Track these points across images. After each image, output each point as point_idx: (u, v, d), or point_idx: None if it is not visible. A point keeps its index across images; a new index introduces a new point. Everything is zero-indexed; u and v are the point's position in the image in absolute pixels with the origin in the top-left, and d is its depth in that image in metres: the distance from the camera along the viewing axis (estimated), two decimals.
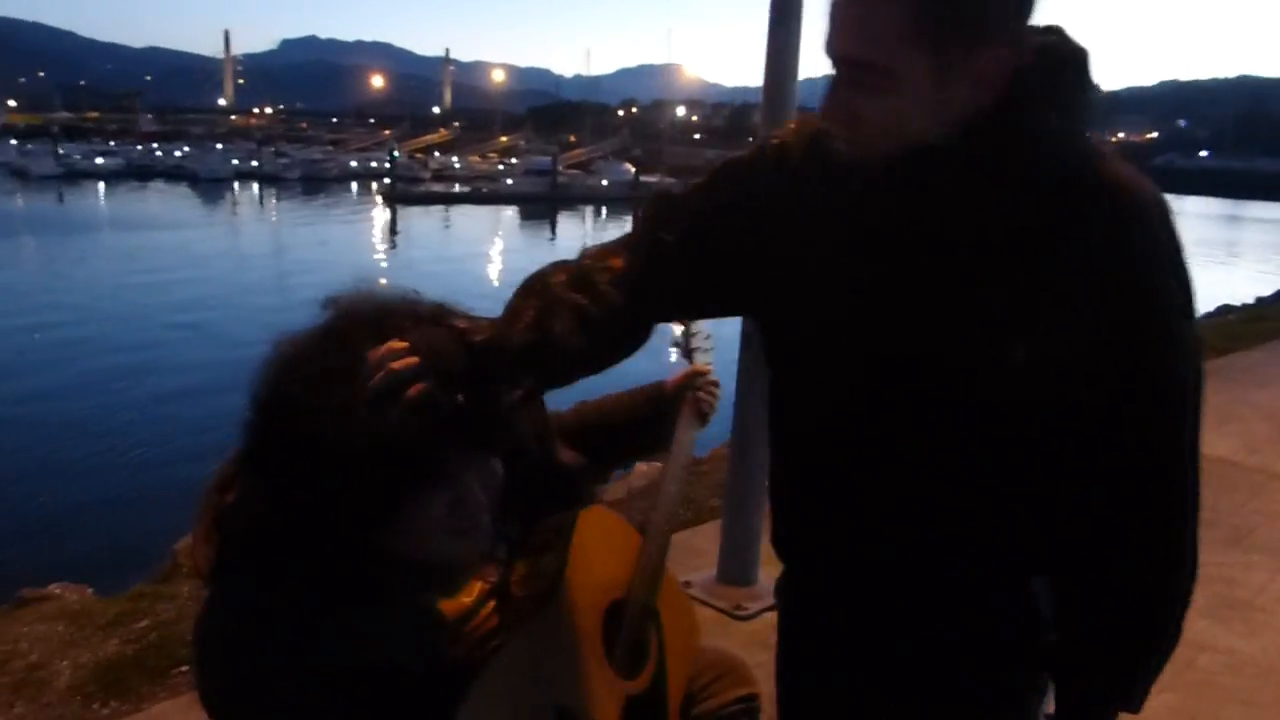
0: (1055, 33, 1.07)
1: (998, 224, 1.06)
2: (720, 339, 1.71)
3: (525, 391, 1.17)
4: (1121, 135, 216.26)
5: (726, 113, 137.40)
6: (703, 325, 1.67)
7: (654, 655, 1.36)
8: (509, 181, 55.42)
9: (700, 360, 1.64)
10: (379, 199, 49.16)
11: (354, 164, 67.25)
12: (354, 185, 59.56)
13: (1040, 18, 1.05)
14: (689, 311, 1.51)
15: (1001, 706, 1.26)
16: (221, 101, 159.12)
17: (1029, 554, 1.18)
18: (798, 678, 1.42)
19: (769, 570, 3.56)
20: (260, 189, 55.50)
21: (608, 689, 1.25)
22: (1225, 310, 15.13)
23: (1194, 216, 77.15)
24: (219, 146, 73.06)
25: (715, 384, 1.61)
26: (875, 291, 1.12)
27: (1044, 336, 1.05)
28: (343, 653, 1.06)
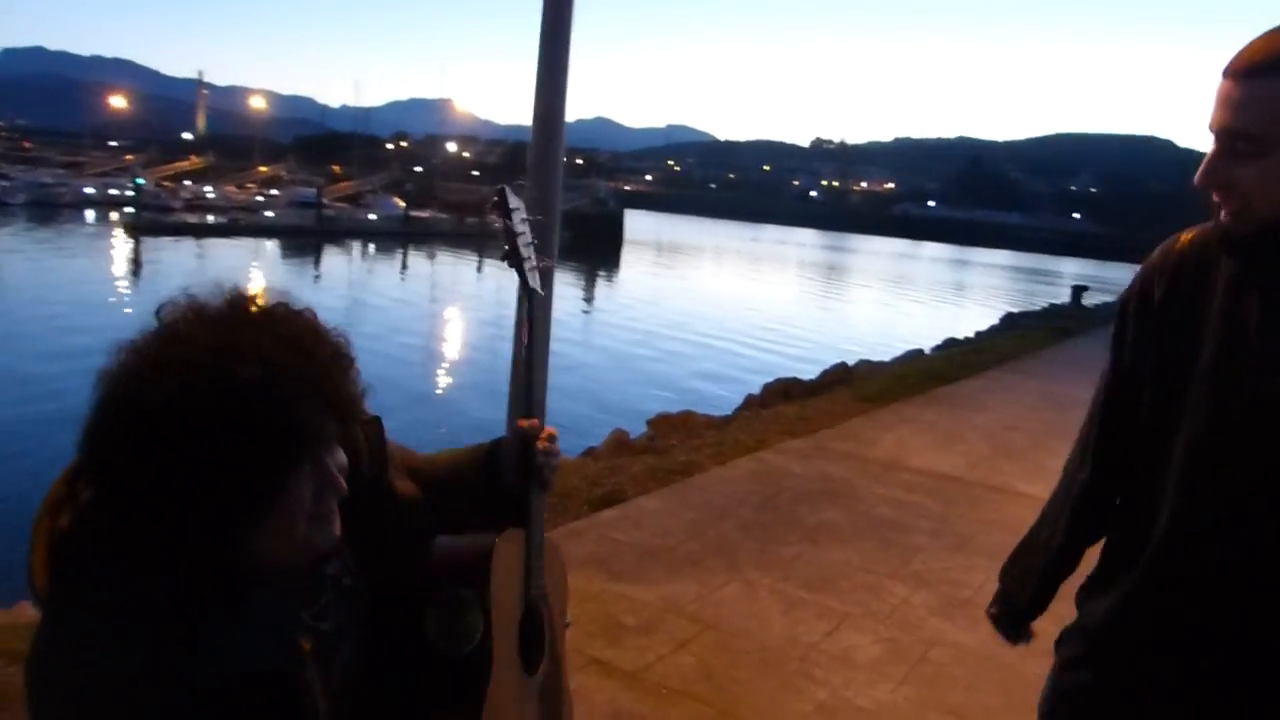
0: None
1: None
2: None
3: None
4: (865, 185, 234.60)
5: (501, 150, 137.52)
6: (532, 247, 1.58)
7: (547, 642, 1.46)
8: (270, 213, 52.72)
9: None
10: (121, 229, 45.40)
11: (91, 190, 61.58)
12: (91, 213, 54.60)
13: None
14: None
15: None
16: None
17: None
18: None
19: None
20: None
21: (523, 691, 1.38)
22: (951, 343, 16.74)
23: (929, 260, 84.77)
24: None
25: (553, 438, 1.47)
26: (1236, 370, 1.26)
27: None
28: (213, 667, 0.97)
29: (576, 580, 4.00)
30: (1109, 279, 43.49)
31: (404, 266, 39.47)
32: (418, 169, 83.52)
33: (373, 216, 54.86)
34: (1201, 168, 1.24)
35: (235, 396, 0.94)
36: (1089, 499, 1.55)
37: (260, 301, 1.04)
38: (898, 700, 3.33)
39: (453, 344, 22.40)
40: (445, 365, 18.21)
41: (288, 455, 0.99)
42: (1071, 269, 72.22)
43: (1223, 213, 1.27)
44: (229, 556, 0.99)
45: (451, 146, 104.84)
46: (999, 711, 3.29)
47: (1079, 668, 1.51)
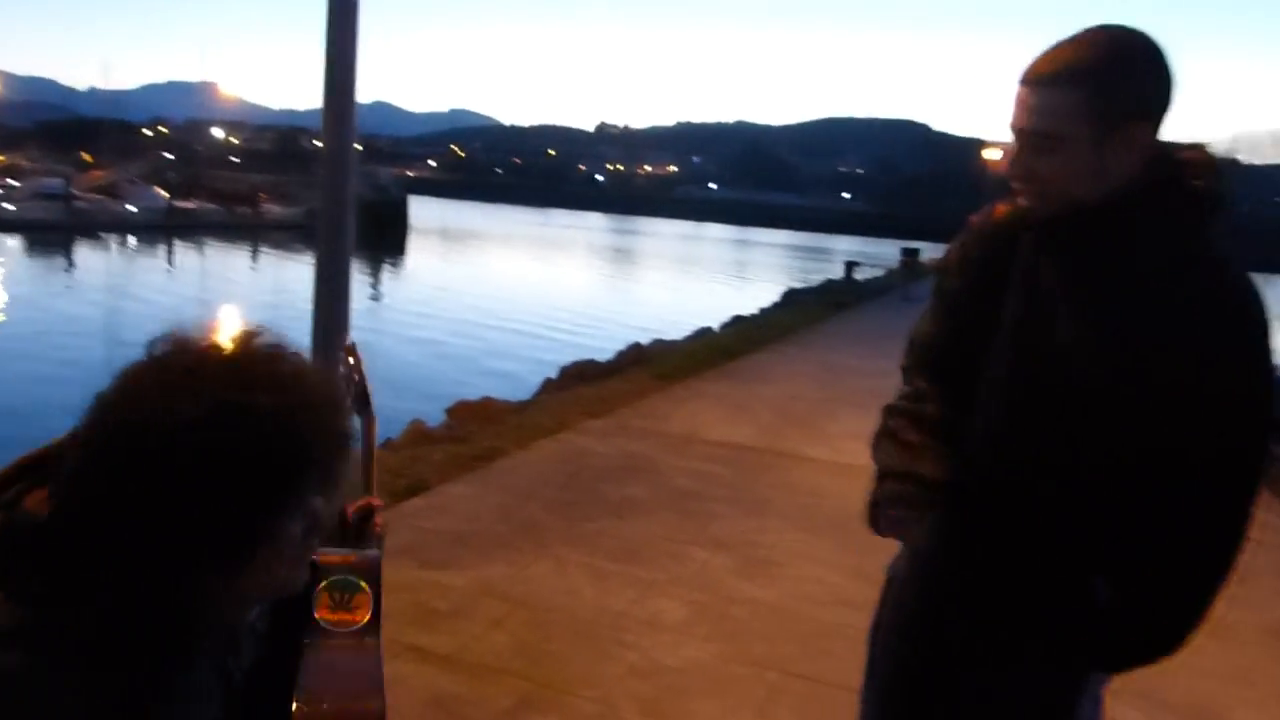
0: (1198, 148, 1.45)
1: (1128, 279, 1.42)
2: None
3: None
4: (649, 168, 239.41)
5: (272, 136, 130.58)
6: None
7: None
8: (10, 206, 47.77)
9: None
10: None
11: None
12: None
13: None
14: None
15: (1057, 679, 1.58)
16: None
17: (1096, 555, 1.50)
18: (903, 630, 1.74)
19: None
20: None
21: None
22: (738, 320, 17.47)
23: (713, 241, 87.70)
24: None
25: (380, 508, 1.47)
26: (1032, 325, 1.51)
27: (1143, 380, 1.39)
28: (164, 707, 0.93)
29: (387, 571, 3.95)
30: (877, 254, 46.52)
31: (170, 261, 36.83)
32: (171, 156, 77.84)
33: (132, 208, 50.67)
34: (1007, 162, 1.47)
35: (257, 426, 0.91)
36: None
37: (262, 339, 1.01)
38: (704, 656, 3.52)
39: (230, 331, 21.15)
40: None
41: (291, 490, 0.96)
42: (844, 246, 76.68)
43: (1022, 198, 1.50)
44: (207, 595, 0.95)
45: (218, 133, 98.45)
46: (797, 658, 3.54)
47: (907, 584, 1.75)
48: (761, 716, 3.16)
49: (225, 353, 0.96)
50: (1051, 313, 1.49)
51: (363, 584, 1.27)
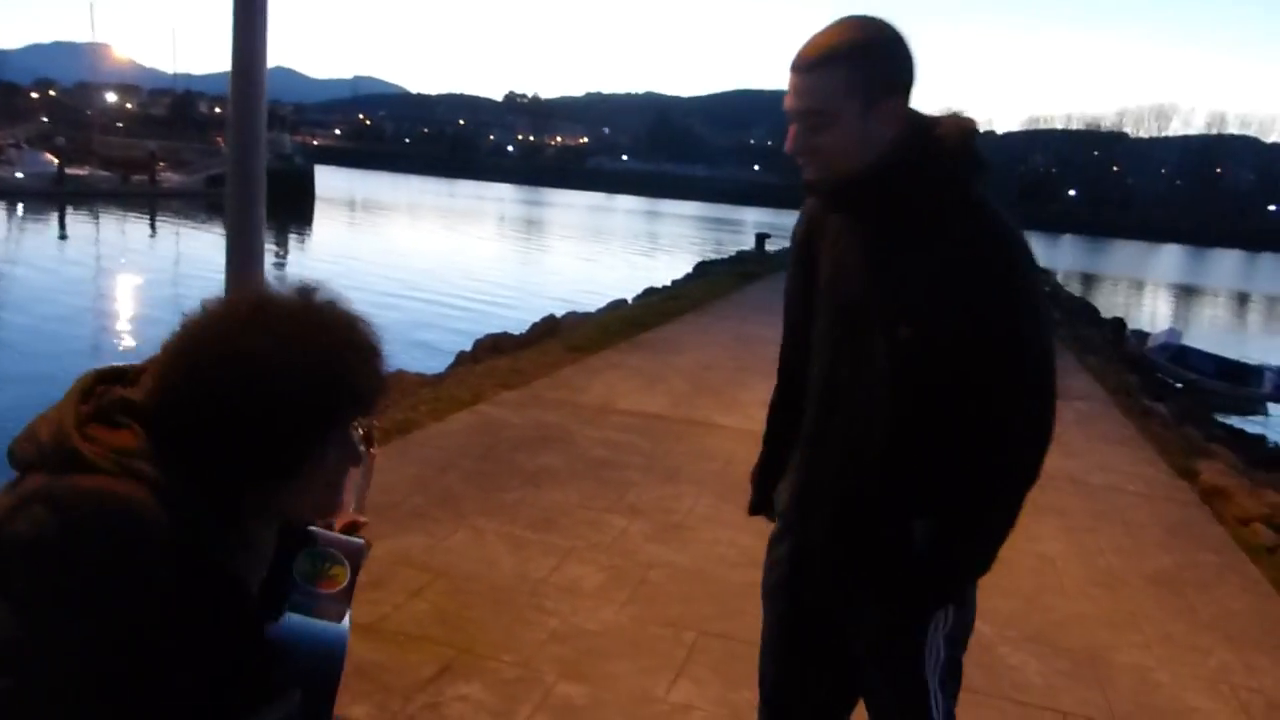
0: (951, 117, 1.64)
1: (898, 231, 1.61)
2: None
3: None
4: (560, 139, 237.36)
5: (168, 101, 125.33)
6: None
7: None
8: None
9: None
10: None
11: None
12: None
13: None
14: None
15: (899, 619, 1.76)
16: None
17: (917, 498, 1.67)
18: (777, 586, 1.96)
19: None
20: None
21: None
22: (651, 292, 17.59)
23: (623, 213, 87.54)
24: None
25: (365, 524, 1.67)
26: (837, 280, 1.72)
27: (928, 319, 1.57)
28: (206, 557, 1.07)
29: None
30: (787, 225, 47.04)
31: (62, 230, 35.18)
32: (70, 121, 74.20)
33: (19, 174, 48.20)
34: (789, 141, 1.63)
35: (309, 360, 1.09)
36: (776, 402, 2.03)
37: (319, 292, 1.18)
38: (622, 620, 3.61)
39: (129, 306, 20.49)
40: (125, 328, 16.68)
41: (334, 417, 1.14)
42: (753, 217, 77.37)
43: (806, 172, 1.67)
44: (254, 500, 1.14)
45: (111, 97, 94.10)
46: (713, 618, 3.67)
47: (777, 544, 1.95)
48: (681, 675, 3.27)
49: (288, 300, 1.15)
50: (851, 266, 1.70)
51: (344, 561, 1.38)
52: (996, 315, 1.57)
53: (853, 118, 1.56)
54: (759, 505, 2.11)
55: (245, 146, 3.10)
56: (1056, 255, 45.83)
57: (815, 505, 1.81)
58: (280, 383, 1.07)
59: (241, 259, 3.17)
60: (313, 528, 1.39)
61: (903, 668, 1.77)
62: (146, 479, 1.03)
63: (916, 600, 1.72)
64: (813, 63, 1.56)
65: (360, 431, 1.65)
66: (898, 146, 1.59)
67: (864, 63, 1.55)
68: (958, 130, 1.62)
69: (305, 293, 1.16)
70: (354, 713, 2.81)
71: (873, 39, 1.56)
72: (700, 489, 5.20)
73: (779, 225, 51.19)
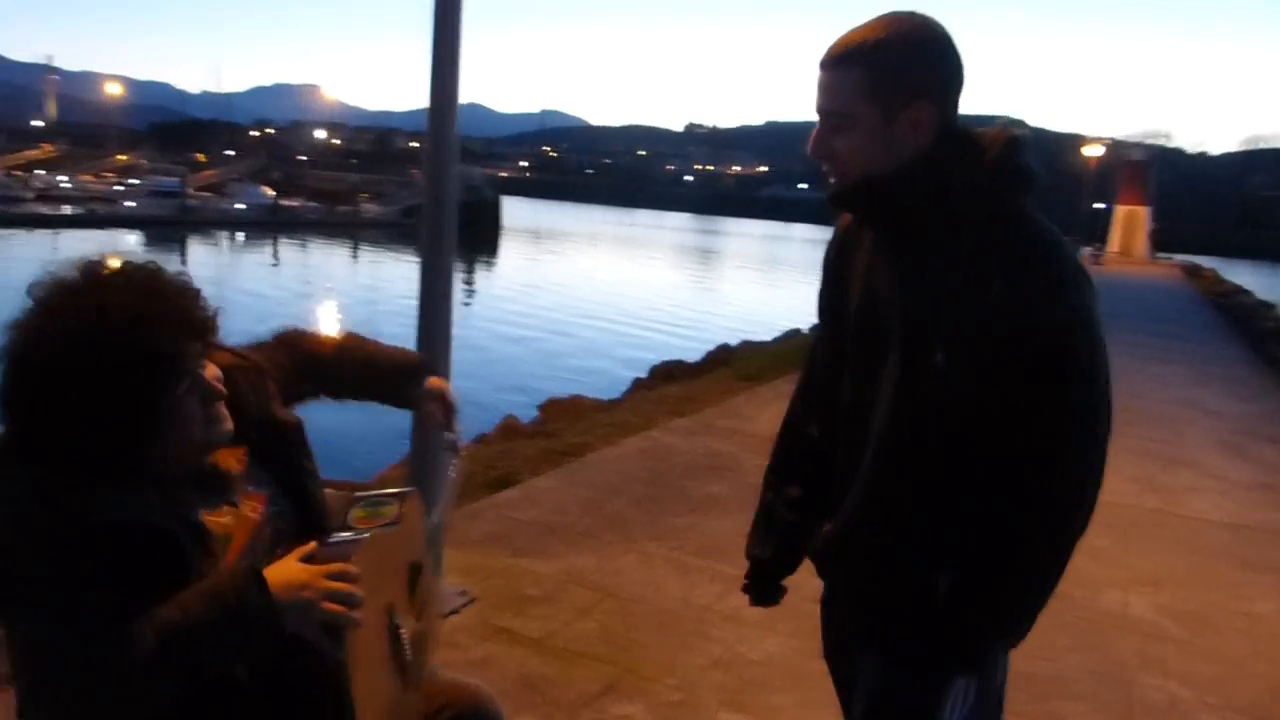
0: (995, 126, 1.49)
1: (929, 247, 1.45)
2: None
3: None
4: (738, 168, 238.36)
5: (370, 137, 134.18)
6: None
7: (425, 615, 1.68)
8: (129, 204, 50.12)
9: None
10: None
11: None
12: None
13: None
14: None
15: (919, 674, 1.54)
16: None
17: (943, 547, 1.48)
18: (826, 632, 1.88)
19: (452, 579, 3.75)
20: None
21: (406, 615, 1.57)
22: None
23: (800, 242, 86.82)
24: None
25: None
26: (867, 296, 1.55)
27: (965, 343, 1.39)
28: (105, 511, 1.21)
29: (479, 557, 4.12)
30: None
31: (275, 257, 38.20)
32: (284, 157, 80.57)
33: (240, 206, 52.75)
34: (810, 142, 1.52)
35: (113, 334, 1.21)
36: (804, 444, 1.85)
37: (111, 263, 1.31)
38: (785, 651, 3.58)
39: (330, 326, 21.95)
40: None
41: (162, 374, 1.25)
42: None
43: (831, 178, 1.54)
44: (129, 463, 1.25)
45: (320, 134, 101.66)
46: None
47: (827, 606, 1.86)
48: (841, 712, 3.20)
49: (81, 285, 1.26)
50: (880, 287, 1.53)
51: (393, 501, 1.52)
52: (1040, 338, 1.37)
53: (873, 121, 1.44)
54: (761, 584, 1.90)
55: (438, 178, 3.31)
56: (1277, 285, 42.25)
57: (841, 551, 1.63)
58: (86, 358, 1.19)
59: (434, 282, 3.37)
60: (358, 493, 1.55)
61: None
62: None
63: (925, 660, 1.52)
64: (833, 60, 1.46)
65: (448, 438, 1.82)
66: (924, 155, 1.44)
67: (886, 64, 1.42)
68: (1000, 139, 1.46)
69: (87, 269, 1.28)
70: None
71: (900, 38, 1.42)
72: None
73: None
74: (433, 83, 3.26)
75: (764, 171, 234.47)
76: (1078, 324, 1.39)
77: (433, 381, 1.86)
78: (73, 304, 1.22)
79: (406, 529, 1.59)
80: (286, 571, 1.25)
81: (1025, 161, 1.45)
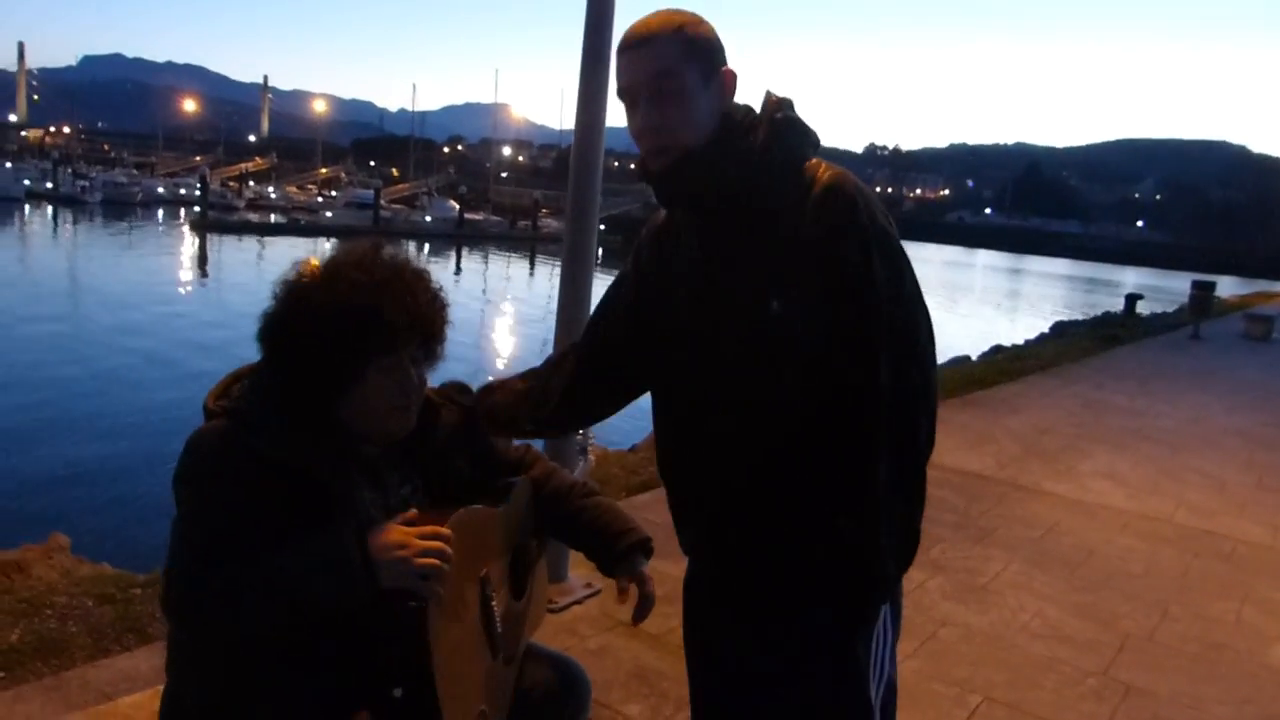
0: (766, 95, 1.59)
1: (747, 207, 1.52)
2: None
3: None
4: (919, 191, 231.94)
5: (554, 154, 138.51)
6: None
7: (526, 596, 1.85)
8: (329, 214, 53.85)
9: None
10: (187, 227, 46.82)
11: (161, 189, 63.71)
12: (160, 211, 56.32)
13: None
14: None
15: (829, 621, 1.57)
16: (13, 117, 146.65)
17: (832, 495, 1.50)
18: (696, 630, 1.79)
19: (579, 572, 3.94)
20: (55, 211, 51.74)
21: (501, 591, 1.72)
22: (996, 350, 16.72)
23: (981, 268, 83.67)
24: (8, 165, 67.56)
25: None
26: (694, 272, 1.60)
27: (795, 285, 1.46)
28: (286, 453, 1.45)
29: None
30: (1169, 288, 42.61)
31: (458, 268, 40.08)
32: (472, 172, 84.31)
33: (428, 218, 55.64)
34: (635, 124, 1.56)
35: (342, 297, 1.48)
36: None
37: (375, 251, 1.57)
38: (904, 672, 3.52)
39: (506, 336, 22.98)
40: (504, 348, 18.73)
41: (368, 338, 1.48)
42: (1132, 279, 70.80)
43: (647, 158, 1.58)
44: (329, 406, 1.52)
45: (505, 151, 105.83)
46: (1003, 685, 3.50)
47: (690, 583, 1.81)
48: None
49: (354, 254, 1.55)
50: (706, 258, 1.58)
51: (504, 485, 1.78)
52: (850, 262, 1.45)
53: (696, 85, 1.53)
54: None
55: (582, 195, 3.52)
56: None
57: (720, 522, 1.63)
58: (319, 315, 1.47)
59: (575, 283, 3.58)
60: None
61: (845, 688, 1.57)
62: (230, 412, 1.48)
63: (848, 598, 1.55)
64: (647, 35, 1.53)
65: (580, 437, 1.99)
66: (725, 119, 1.55)
67: (694, 35, 1.54)
68: (777, 104, 1.57)
69: (370, 248, 1.56)
70: (629, 709, 3.04)
71: (690, 18, 1.55)
72: (1012, 554, 4.95)
73: (1161, 287, 46.40)
74: (580, 101, 3.47)
75: (945, 195, 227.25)
76: (880, 245, 1.47)
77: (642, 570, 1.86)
78: (322, 270, 1.53)
79: (511, 512, 1.75)
80: (386, 533, 1.42)
81: (800, 118, 1.56)
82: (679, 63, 1.51)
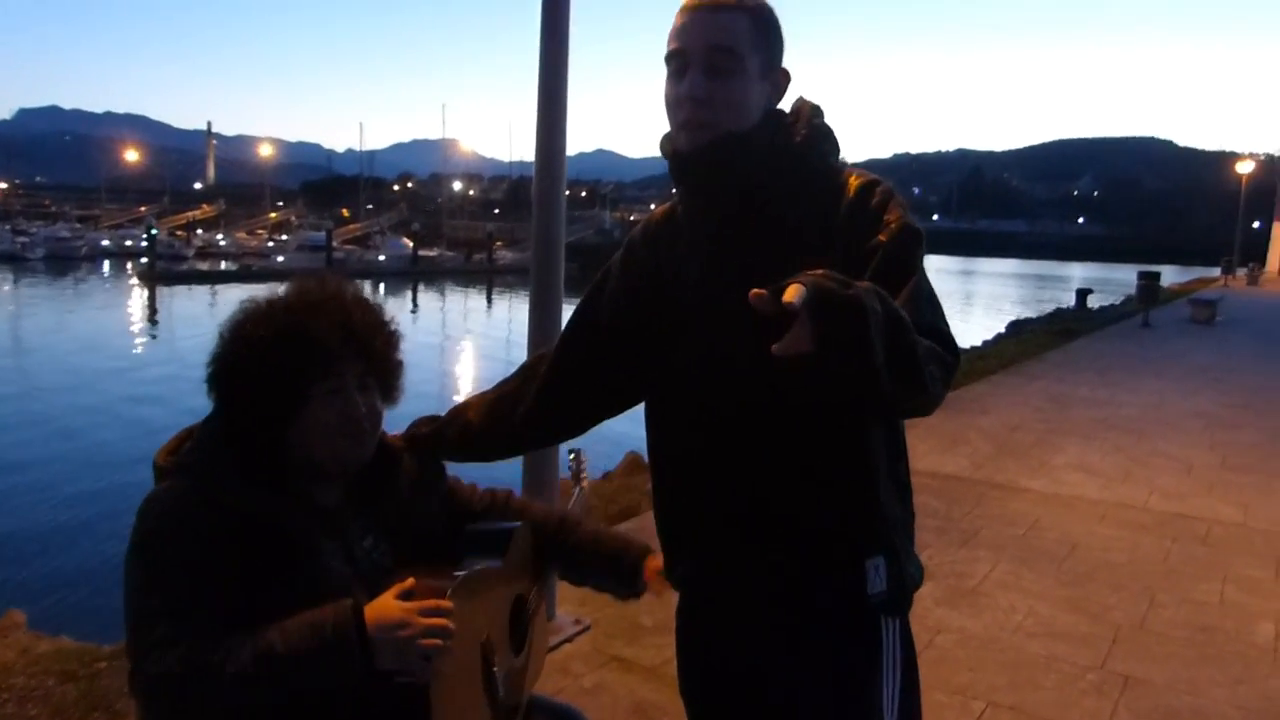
0: (800, 100, 1.53)
1: (774, 202, 1.44)
2: None
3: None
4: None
5: (505, 186, 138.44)
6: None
7: (526, 649, 1.74)
8: (280, 258, 53.20)
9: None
10: (135, 279, 46.06)
11: (107, 242, 62.71)
12: (106, 265, 55.36)
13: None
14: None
15: (848, 679, 1.47)
16: None
17: (862, 538, 1.42)
18: (697, 661, 1.65)
19: (566, 609, 3.84)
20: None
21: (503, 651, 1.62)
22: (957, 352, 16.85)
23: (935, 272, 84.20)
24: None
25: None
26: (705, 270, 1.49)
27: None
28: (244, 502, 1.39)
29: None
30: (1115, 279, 43.42)
31: (414, 305, 39.78)
32: (424, 208, 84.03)
33: (381, 257, 55.27)
34: (683, 90, 1.41)
35: (281, 320, 1.45)
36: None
37: (319, 280, 1.54)
38: None
39: (468, 370, 22.83)
40: (465, 383, 18.55)
41: (309, 363, 1.44)
42: (1079, 273, 72.07)
43: (686, 128, 1.44)
44: (277, 434, 1.46)
45: (456, 185, 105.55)
46: (1004, 689, 3.46)
47: (697, 601, 1.66)
48: None
49: (294, 286, 1.53)
50: (716, 256, 1.48)
51: (501, 533, 1.69)
52: (897, 259, 1.39)
53: (754, 72, 1.43)
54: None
55: (547, 220, 3.46)
56: None
57: (722, 543, 1.51)
58: (255, 344, 1.43)
59: (544, 313, 3.52)
60: (468, 526, 1.70)
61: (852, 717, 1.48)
62: (182, 466, 1.43)
63: (868, 625, 1.47)
64: (719, 4, 1.42)
65: (572, 457, 1.91)
66: (767, 115, 1.47)
67: (764, 25, 1.45)
68: (813, 109, 1.51)
69: (313, 278, 1.54)
70: None
71: (767, 11, 1.46)
72: (998, 554, 4.93)
73: (1106, 279, 47.24)
74: (539, 132, 3.45)
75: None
76: (919, 236, 1.43)
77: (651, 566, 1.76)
78: (263, 304, 1.50)
79: (510, 563, 1.66)
80: (384, 609, 1.32)
81: (827, 126, 1.51)
82: (744, 44, 1.41)
